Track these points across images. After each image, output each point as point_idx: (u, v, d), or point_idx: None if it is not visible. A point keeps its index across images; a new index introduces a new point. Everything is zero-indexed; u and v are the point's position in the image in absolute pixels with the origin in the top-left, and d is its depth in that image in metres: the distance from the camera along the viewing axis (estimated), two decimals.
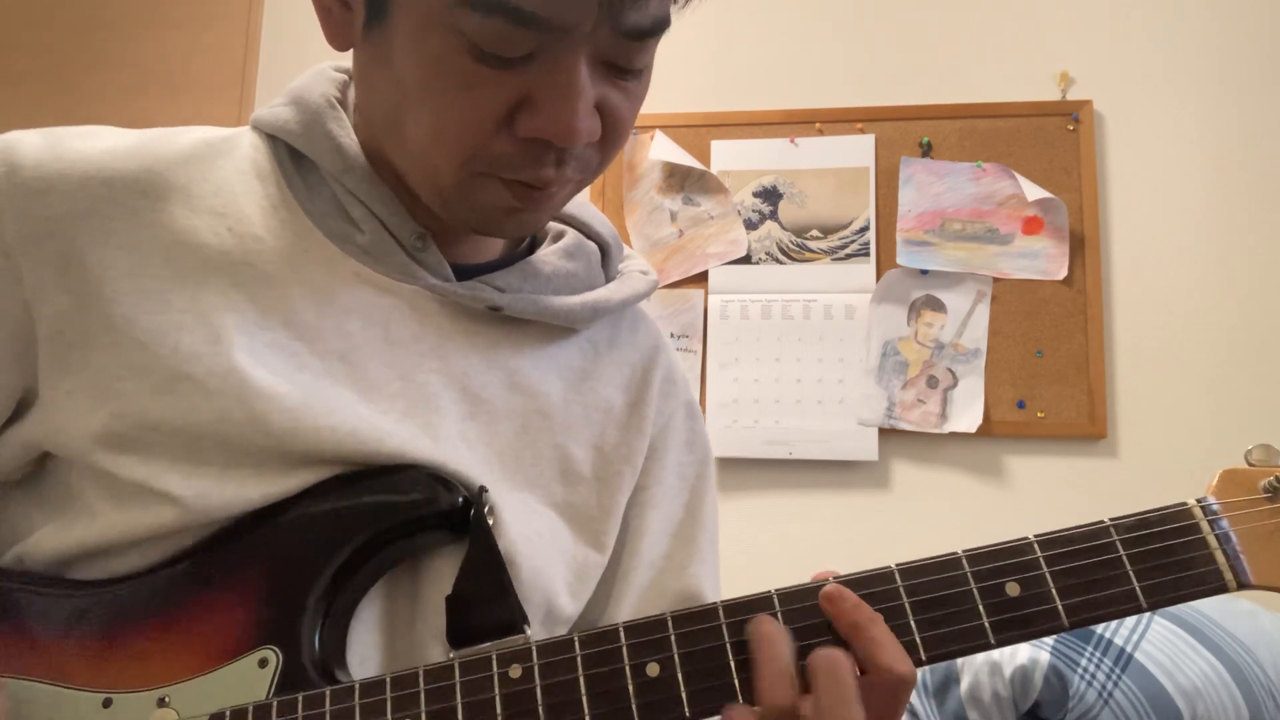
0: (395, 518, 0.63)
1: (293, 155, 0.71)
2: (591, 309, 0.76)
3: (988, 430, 2.08)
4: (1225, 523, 0.56)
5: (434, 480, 0.64)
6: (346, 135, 0.70)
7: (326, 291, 0.67)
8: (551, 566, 0.70)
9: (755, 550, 2.10)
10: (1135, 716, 1.30)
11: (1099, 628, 1.39)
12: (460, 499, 0.64)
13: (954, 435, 2.09)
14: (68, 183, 0.64)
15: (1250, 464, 0.59)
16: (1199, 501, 0.57)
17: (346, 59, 0.72)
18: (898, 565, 0.57)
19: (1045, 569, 0.56)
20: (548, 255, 0.76)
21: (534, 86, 0.60)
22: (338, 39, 0.67)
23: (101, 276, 0.63)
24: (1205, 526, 0.56)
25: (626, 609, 0.76)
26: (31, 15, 2.49)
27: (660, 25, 0.61)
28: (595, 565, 0.74)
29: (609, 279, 0.80)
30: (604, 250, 0.80)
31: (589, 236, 0.80)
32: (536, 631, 0.68)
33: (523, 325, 0.74)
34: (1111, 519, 0.57)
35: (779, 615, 0.56)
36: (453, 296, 0.71)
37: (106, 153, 0.66)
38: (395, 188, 0.70)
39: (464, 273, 0.72)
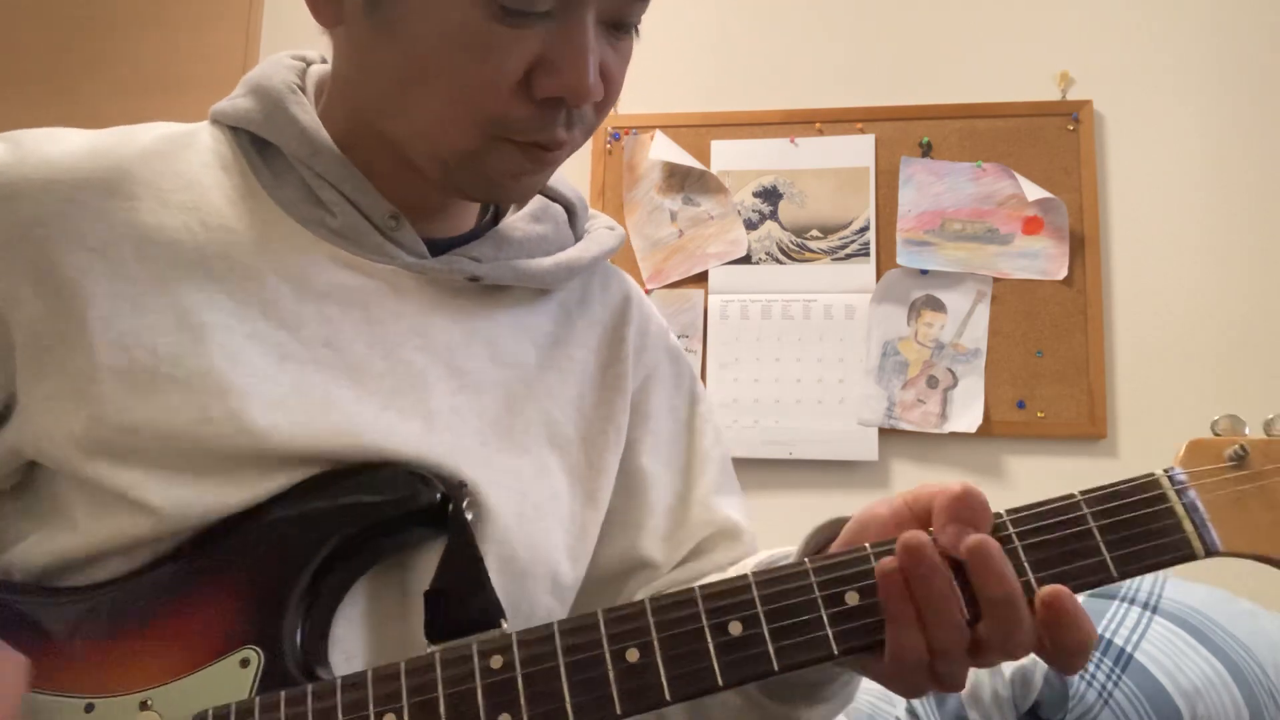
0: (373, 516, 0.63)
1: (256, 144, 0.71)
2: (566, 268, 0.77)
3: (988, 430, 2.07)
4: (1193, 492, 0.57)
5: (412, 478, 0.64)
6: (311, 119, 0.70)
7: (303, 277, 0.67)
8: (550, 538, 0.71)
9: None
10: (1135, 717, 1.29)
11: (1099, 627, 1.39)
12: (438, 495, 0.64)
13: (954, 435, 2.09)
14: (33, 186, 0.64)
15: (1216, 434, 0.59)
16: (1166, 472, 0.58)
17: (305, 48, 0.73)
18: (872, 546, 0.57)
19: (1018, 543, 0.56)
20: (516, 221, 0.77)
21: (548, 48, 0.62)
22: (324, 15, 0.67)
23: (75, 280, 0.63)
24: (1173, 496, 0.57)
25: (656, 552, 0.78)
26: (31, 15, 2.49)
27: None
28: (594, 523, 0.76)
29: (577, 238, 0.81)
30: (570, 210, 0.81)
31: (553, 199, 0.81)
32: (546, 603, 0.70)
33: (497, 295, 0.75)
34: (1081, 491, 0.57)
35: (756, 599, 0.56)
36: (430, 272, 0.71)
37: (69, 155, 0.66)
38: (365, 168, 0.70)
39: (438, 247, 0.73)
